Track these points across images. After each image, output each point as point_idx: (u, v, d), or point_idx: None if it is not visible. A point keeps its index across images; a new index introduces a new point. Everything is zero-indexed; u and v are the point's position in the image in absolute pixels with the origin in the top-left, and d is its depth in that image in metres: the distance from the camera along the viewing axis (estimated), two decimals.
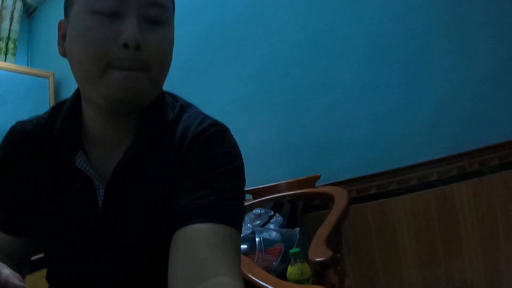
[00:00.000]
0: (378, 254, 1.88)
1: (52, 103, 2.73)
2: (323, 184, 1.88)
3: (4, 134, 0.74)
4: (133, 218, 0.67)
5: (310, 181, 1.88)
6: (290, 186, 1.93)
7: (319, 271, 1.28)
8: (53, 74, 2.83)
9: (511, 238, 1.67)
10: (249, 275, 1.17)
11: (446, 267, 1.77)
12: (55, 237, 0.69)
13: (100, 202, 0.68)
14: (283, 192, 1.92)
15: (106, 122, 0.68)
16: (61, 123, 0.71)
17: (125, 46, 0.60)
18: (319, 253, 1.21)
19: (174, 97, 0.77)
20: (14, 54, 2.90)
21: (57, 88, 2.85)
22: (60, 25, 0.69)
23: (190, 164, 0.67)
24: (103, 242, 0.68)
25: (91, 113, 0.70)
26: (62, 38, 0.69)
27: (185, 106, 0.74)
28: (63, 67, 2.77)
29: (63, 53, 0.69)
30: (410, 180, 1.81)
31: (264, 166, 2.06)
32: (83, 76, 0.64)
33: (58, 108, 0.76)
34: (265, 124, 2.13)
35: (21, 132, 0.73)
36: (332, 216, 1.51)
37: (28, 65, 3.10)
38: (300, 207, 1.90)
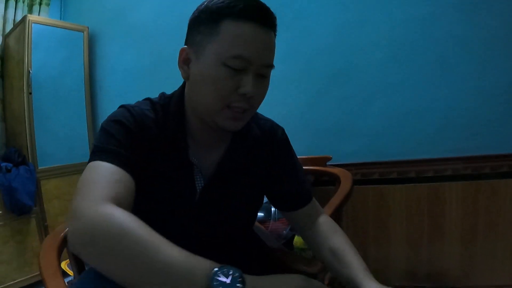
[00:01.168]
0: (372, 231, 2.09)
1: (86, 56, 2.80)
2: (333, 163, 2.00)
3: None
4: (226, 201, 0.88)
5: (322, 160, 2.00)
6: (304, 162, 2.09)
7: None
8: (88, 28, 2.84)
9: (488, 236, 1.87)
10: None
11: (428, 252, 2.00)
12: (152, 207, 0.80)
13: (198, 189, 0.88)
14: None
15: (209, 129, 0.86)
16: (173, 125, 0.86)
17: (243, 95, 0.78)
18: None
19: None
20: (48, 5, 2.94)
21: (91, 42, 2.88)
22: (183, 51, 0.82)
23: (282, 160, 0.99)
24: (195, 219, 0.87)
25: (196, 122, 0.86)
26: (184, 62, 0.83)
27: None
28: (97, 22, 2.89)
29: (186, 77, 0.83)
30: (409, 173, 1.98)
31: None
32: (204, 107, 0.81)
33: (157, 103, 0.89)
34: (289, 102, 2.22)
35: (146, 117, 0.85)
36: (336, 199, 1.67)
37: (61, 19, 3.11)
38: (311, 181, 2.11)
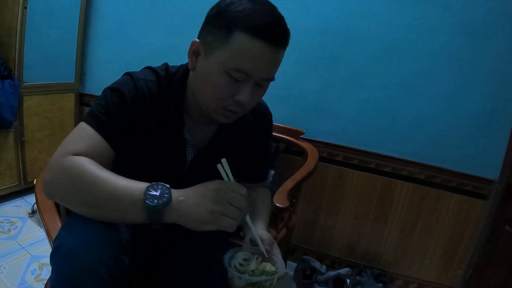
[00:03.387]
0: (325, 204, 2.29)
1: None
2: (305, 137, 2.14)
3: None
4: (208, 174, 0.98)
5: (295, 133, 2.12)
6: (279, 130, 2.10)
7: (277, 212, 1.63)
8: None
9: (423, 235, 2.11)
10: None
11: (369, 234, 2.23)
12: (143, 176, 0.84)
13: (188, 160, 0.99)
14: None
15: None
16: (173, 104, 0.92)
17: (238, 103, 0.84)
18: (280, 201, 1.51)
19: None
20: None
21: None
22: (195, 43, 0.86)
23: (260, 142, 1.12)
24: (183, 188, 0.95)
25: (194, 102, 0.93)
26: (193, 53, 0.87)
27: None
28: None
29: (193, 68, 0.88)
30: (370, 163, 2.14)
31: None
32: (201, 101, 0.89)
33: (162, 78, 0.94)
34: (284, 70, 2.24)
35: (148, 90, 0.91)
36: (299, 174, 1.79)
37: None
38: (281, 148, 2.22)
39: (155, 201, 0.73)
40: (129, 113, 0.88)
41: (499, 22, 1.80)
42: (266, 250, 0.88)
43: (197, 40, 0.86)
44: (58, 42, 2.69)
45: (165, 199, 0.74)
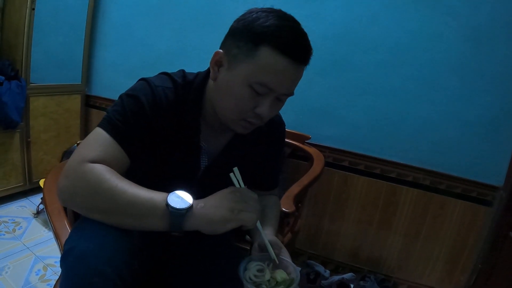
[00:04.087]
0: (330, 208, 2.29)
1: None
2: (311, 142, 2.14)
3: None
4: (221, 181, 0.97)
5: (301, 137, 2.13)
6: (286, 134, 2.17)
7: (283, 216, 1.63)
8: None
9: (427, 241, 2.11)
10: None
11: (373, 239, 2.23)
12: (157, 182, 0.86)
13: (202, 167, 1.00)
14: None
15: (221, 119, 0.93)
16: (190, 112, 0.93)
17: (258, 115, 0.85)
18: (286, 206, 1.52)
19: None
20: None
21: None
22: (218, 54, 0.86)
23: (272, 151, 1.13)
24: (195, 194, 0.96)
25: (211, 110, 0.93)
26: (216, 64, 0.87)
27: None
28: None
29: (214, 79, 0.89)
30: (375, 169, 2.14)
31: None
32: (221, 112, 0.90)
33: (178, 85, 0.94)
34: None
35: (166, 98, 0.91)
36: (305, 179, 1.81)
37: None
38: (287, 153, 2.22)
39: (178, 206, 0.76)
40: (146, 121, 0.88)
41: (504, 29, 1.80)
42: (276, 255, 0.89)
43: (221, 50, 0.87)
44: (65, 44, 2.71)
45: (187, 205, 0.76)
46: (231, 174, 0.84)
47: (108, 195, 0.76)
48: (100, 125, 0.87)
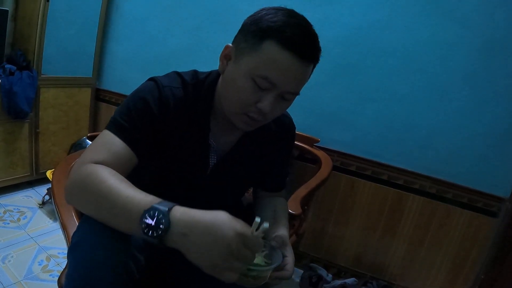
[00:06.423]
0: (335, 212, 2.29)
1: None
2: (319, 145, 2.16)
3: None
4: (229, 180, 0.96)
5: (310, 140, 2.14)
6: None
7: (289, 218, 1.64)
8: None
9: (432, 249, 2.10)
10: None
11: (377, 245, 2.22)
12: (165, 180, 0.86)
13: (211, 165, 0.99)
14: None
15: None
16: (201, 108, 0.93)
17: (260, 110, 0.84)
18: (293, 208, 1.53)
19: None
20: None
21: None
22: (228, 48, 0.88)
23: (281, 153, 1.13)
24: (203, 192, 0.96)
25: (221, 108, 0.93)
26: (225, 57, 0.88)
27: None
28: None
29: (222, 71, 0.89)
30: (382, 175, 2.14)
31: None
32: (226, 105, 0.90)
33: (188, 84, 0.94)
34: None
35: (174, 97, 0.91)
36: (313, 182, 1.82)
37: None
38: (295, 155, 2.24)
39: (149, 232, 0.67)
40: (154, 121, 0.89)
41: None
42: (273, 246, 0.89)
43: (231, 45, 0.88)
44: (77, 37, 2.72)
45: (160, 231, 0.66)
46: (256, 220, 0.73)
47: (94, 196, 0.75)
48: (106, 127, 0.87)
